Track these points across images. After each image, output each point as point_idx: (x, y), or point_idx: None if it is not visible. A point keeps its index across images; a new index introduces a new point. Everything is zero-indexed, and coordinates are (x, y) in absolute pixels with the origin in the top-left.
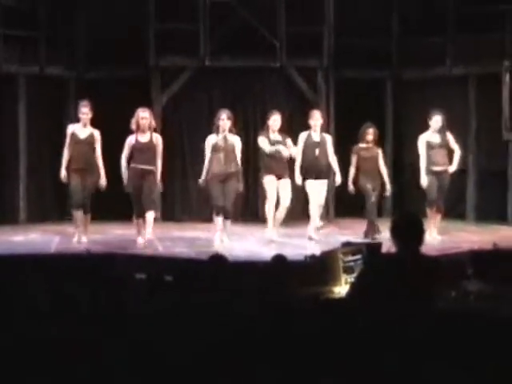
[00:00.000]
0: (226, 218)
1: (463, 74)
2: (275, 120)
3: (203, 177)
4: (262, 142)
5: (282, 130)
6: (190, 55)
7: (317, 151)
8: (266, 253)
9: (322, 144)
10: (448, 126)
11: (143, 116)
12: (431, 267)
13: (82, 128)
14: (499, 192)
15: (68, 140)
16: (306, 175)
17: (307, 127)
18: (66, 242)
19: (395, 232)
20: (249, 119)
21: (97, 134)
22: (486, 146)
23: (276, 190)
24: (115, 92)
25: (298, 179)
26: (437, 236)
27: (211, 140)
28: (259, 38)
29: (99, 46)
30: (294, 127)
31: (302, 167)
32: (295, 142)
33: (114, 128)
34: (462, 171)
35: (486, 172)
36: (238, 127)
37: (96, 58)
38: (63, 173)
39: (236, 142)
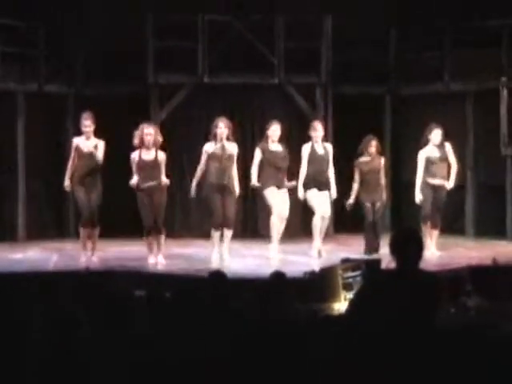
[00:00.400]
0: (228, 228)
1: (461, 89)
2: (274, 130)
3: (193, 187)
4: (256, 156)
5: (281, 141)
6: (189, 72)
7: (323, 164)
8: (265, 269)
9: (326, 156)
10: (446, 141)
11: (148, 132)
12: (430, 283)
13: (85, 141)
14: (498, 207)
15: (72, 153)
16: (307, 186)
17: (304, 143)
18: (64, 260)
19: (394, 248)
20: (247, 136)
21: (101, 144)
22: (485, 161)
23: (277, 199)
24: (114, 109)
25: (301, 193)
26: (435, 251)
27: (209, 148)
28: (257, 55)
29: (98, 63)
30: (292, 143)
31: (304, 179)
32: (295, 157)
33: (112, 144)
34: (460, 187)
35: (485, 187)
36: (237, 143)
37: (95, 75)
38: (67, 182)
39: (234, 150)
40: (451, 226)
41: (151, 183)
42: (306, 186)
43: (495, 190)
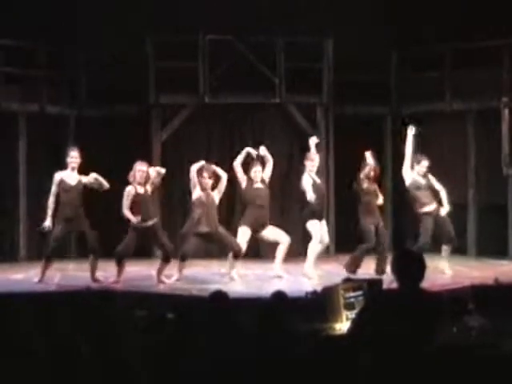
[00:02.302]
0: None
1: (462, 109)
2: (256, 171)
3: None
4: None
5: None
6: (190, 92)
7: (323, 194)
8: (267, 289)
9: (322, 186)
10: (448, 161)
11: (140, 169)
12: (432, 302)
13: (70, 174)
14: (499, 227)
15: (55, 188)
16: (312, 216)
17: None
18: (66, 280)
19: (396, 268)
20: (248, 156)
21: (85, 179)
22: (486, 180)
23: (247, 242)
24: (115, 129)
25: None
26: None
27: (195, 194)
28: (258, 75)
29: (99, 84)
30: (292, 163)
31: (309, 209)
32: (295, 176)
33: (114, 165)
34: (462, 206)
35: (486, 207)
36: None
37: (96, 96)
38: (48, 222)
39: (216, 198)
40: (453, 246)
41: (148, 222)
42: (309, 216)
43: (497, 209)
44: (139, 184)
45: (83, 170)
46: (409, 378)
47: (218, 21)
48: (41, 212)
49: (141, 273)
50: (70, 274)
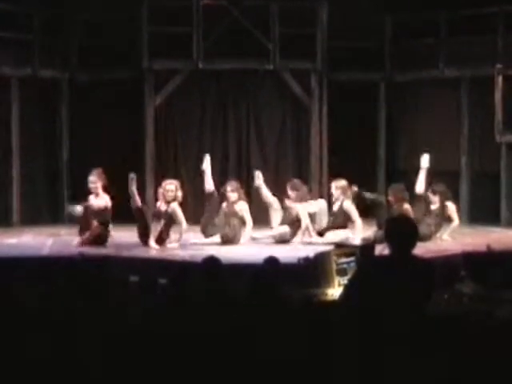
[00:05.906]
0: None
1: (456, 76)
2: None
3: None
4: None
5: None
6: (184, 58)
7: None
8: (260, 255)
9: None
10: (441, 128)
11: (170, 189)
12: (424, 269)
13: (92, 197)
14: (492, 194)
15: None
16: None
17: (299, 129)
18: (59, 245)
19: (389, 234)
20: (242, 122)
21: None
22: (479, 148)
23: None
24: (108, 94)
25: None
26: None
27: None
28: (253, 41)
29: (93, 49)
30: (286, 130)
31: None
32: (288, 142)
33: (106, 129)
34: (454, 173)
35: (479, 174)
36: (231, 129)
37: (89, 60)
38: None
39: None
40: None
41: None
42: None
43: (490, 176)
44: (166, 202)
45: (76, 136)
46: (400, 344)
47: None
48: (34, 177)
49: (133, 238)
50: (62, 239)
